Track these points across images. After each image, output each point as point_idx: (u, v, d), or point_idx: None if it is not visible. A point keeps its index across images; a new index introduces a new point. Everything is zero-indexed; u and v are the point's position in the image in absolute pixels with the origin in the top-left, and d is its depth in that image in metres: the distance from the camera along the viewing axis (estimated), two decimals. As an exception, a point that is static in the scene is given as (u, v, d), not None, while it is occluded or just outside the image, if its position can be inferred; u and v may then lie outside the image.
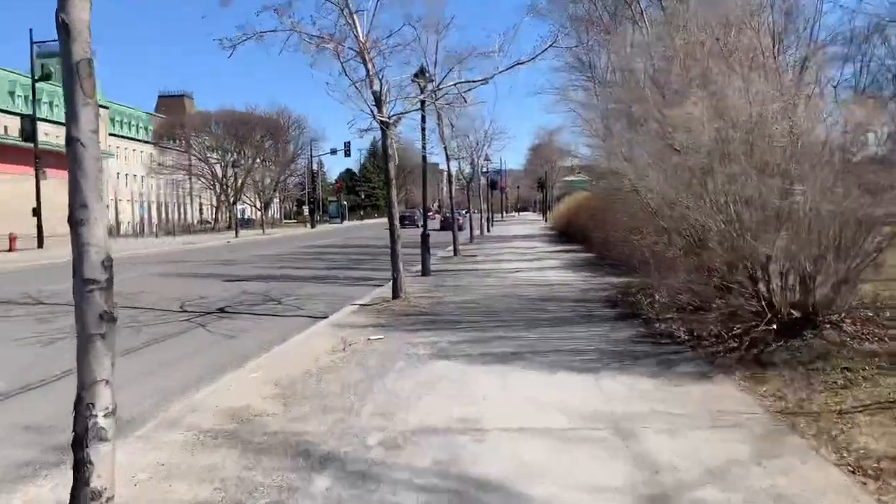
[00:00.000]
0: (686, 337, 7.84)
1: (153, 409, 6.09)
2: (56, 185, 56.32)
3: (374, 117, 10.81)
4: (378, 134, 11.83)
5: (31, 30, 31.96)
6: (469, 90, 11.52)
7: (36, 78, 32.15)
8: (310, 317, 11.37)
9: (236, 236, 46.32)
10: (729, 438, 4.60)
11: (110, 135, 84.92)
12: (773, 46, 8.27)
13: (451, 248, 23.36)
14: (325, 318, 10.92)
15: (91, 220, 2.73)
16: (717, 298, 8.46)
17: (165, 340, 9.54)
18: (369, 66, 10.61)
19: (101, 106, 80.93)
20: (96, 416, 2.67)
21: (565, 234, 31.99)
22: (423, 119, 14.74)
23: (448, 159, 22.39)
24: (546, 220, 62.64)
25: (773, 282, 7.30)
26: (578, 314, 10.01)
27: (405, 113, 11.48)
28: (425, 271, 16.49)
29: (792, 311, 7.21)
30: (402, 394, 5.92)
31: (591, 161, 27.44)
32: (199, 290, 15.24)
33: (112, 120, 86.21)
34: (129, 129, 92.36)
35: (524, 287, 13.51)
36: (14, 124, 67.82)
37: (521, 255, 22.65)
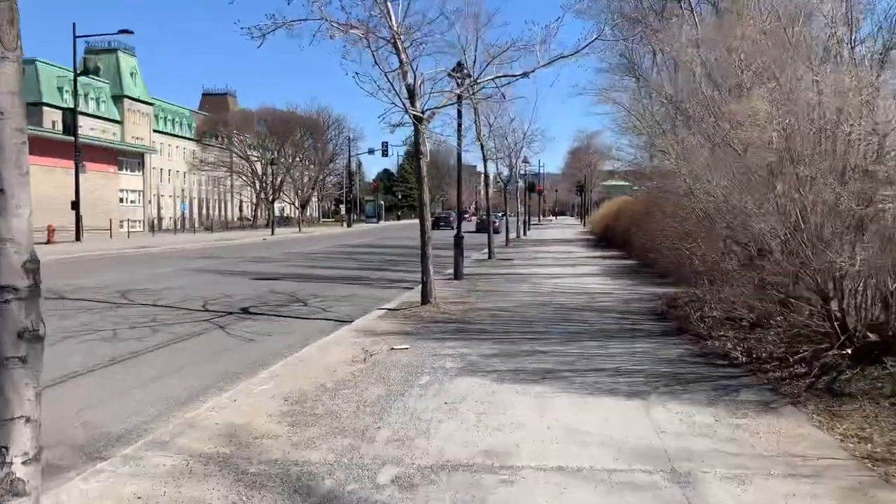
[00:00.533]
0: (744, 358, 7.01)
1: (151, 422, 5.55)
2: (96, 179, 57.49)
3: (406, 111, 10.18)
4: (412, 130, 11.22)
5: (73, 24, 32.32)
6: (508, 83, 10.83)
7: (79, 72, 32.39)
8: (335, 320, 10.80)
9: (272, 234, 46.32)
10: (811, 493, 3.82)
11: (154, 131, 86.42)
12: (850, 35, 7.38)
13: (486, 250, 22.65)
14: (350, 321, 10.35)
15: (8, 207, 2.12)
16: (778, 315, 7.62)
17: (182, 342, 9.06)
18: (402, 55, 9.99)
19: (145, 102, 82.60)
20: (11, 463, 2.07)
21: (604, 239, 31.02)
22: (460, 115, 14.07)
23: (485, 160, 21.69)
24: (584, 225, 61.45)
25: (847, 299, 6.45)
26: (621, 327, 9.22)
27: (440, 108, 10.83)
28: (458, 275, 15.82)
29: (869, 334, 6.33)
30: (424, 416, 5.25)
31: (634, 164, 26.47)
32: (226, 288, 14.83)
33: (156, 116, 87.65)
34: (173, 126, 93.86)
35: (561, 295, 12.74)
36: (60, 119, 69.43)
37: (559, 260, 21.83)
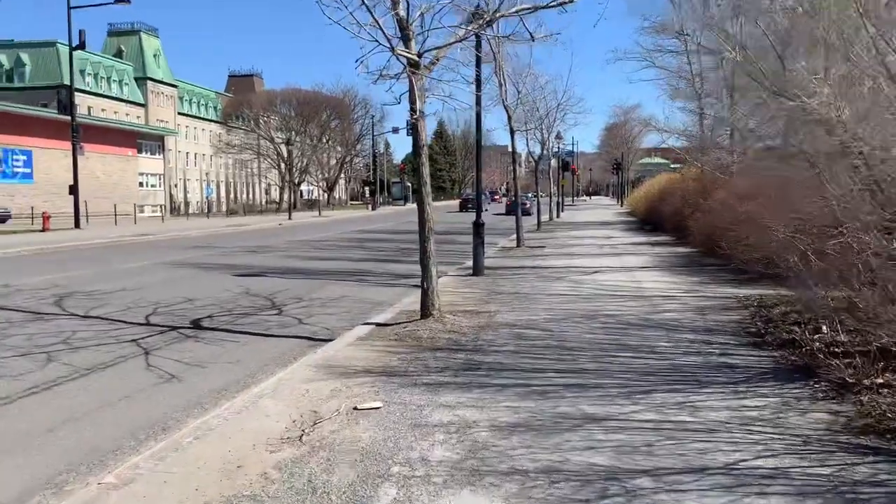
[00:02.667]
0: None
1: None
2: (114, 163, 55.70)
3: (393, 51, 7.24)
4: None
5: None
6: (534, 10, 7.81)
7: (74, 46, 30.00)
8: (308, 338, 8.04)
9: (289, 218, 43.86)
10: None
11: (179, 113, 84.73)
12: None
13: (515, 236, 19.66)
14: (325, 341, 7.58)
15: None
16: None
17: (69, 382, 6.34)
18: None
19: (169, 84, 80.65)
20: None
21: (648, 221, 27.71)
22: (478, 63, 11.01)
23: (512, 133, 18.63)
24: (622, 205, 57.83)
25: None
26: (708, 361, 6.22)
27: (444, 48, 7.85)
28: (477, 270, 12.91)
29: None
30: None
31: (687, 134, 23.11)
32: (195, 289, 12.16)
33: (181, 99, 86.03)
34: (199, 109, 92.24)
35: (610, 300, 9.74)
36: (83, 102, 67.77)
37: (599, 248, 18.73)
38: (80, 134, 31.12)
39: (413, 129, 7.95)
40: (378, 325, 8.28)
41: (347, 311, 9.96)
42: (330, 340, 7.66)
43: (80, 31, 30.27)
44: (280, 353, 7.33)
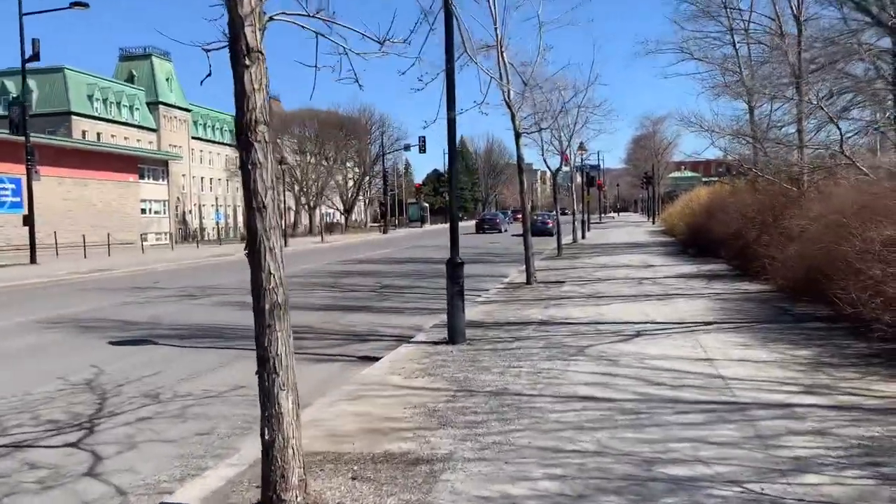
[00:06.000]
0: None
1: None
2: (113, 189, 52.37)
3: None
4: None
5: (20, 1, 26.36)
6: None
7: (27, 57, 26.44)
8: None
9: (286, 245, 39.79)
10: None
11: (193, 138, 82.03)
12: None
13: (525, 268, 15.14)
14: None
15: None
16: None
17: None
18: None
19: (182, 108, 77.87)
20: None
21: (691, 242, 22.98)
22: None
23: (517, 136, 14.23)
24: (654, 222, 52.88)
25: None
26: None
27: None
28: (454, 334, 8.43)
29: None
30: None
31: (739, 134, 18.45)
32: (17, 376, 7.90)
33: (195, 123, 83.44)
34: (214, 133, 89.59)
35: (671, 416, 5.16)
36: (91, 128, 65.12)
37: (637, 283, 14.12)
38: (35, 157, 27.44)
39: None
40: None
41: (209, 433, 5.61)
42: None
43: (34, 41, 26.71)
44: None
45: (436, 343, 8.47)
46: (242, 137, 3.50)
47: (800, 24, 15.97)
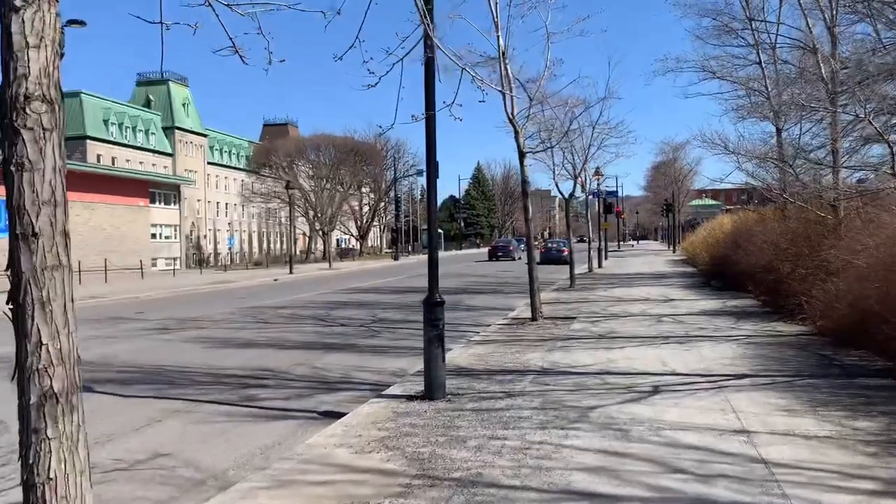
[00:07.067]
0: None
1: None
2: (124, 214, 51.77)
3: None
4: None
5: None
6: None
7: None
8: None
9: (290, 272, 38.62)
10: None
11: (209, 163, 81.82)
12: None
13: (529, 303, 13.62)
14: None
15: None
16: None
17: None
18: None
19: (198, 134, 77.78)
20: None
21: (715, 273, 21.35)
22: None
23: (521, 156, 12.86)
24: (674, 251, 51.12)
25: None
26: None
27: None
28: (432, 388, 6.96)
29: None
30: None
31: (768, 158, 16.96)
32: None
33: (211, 148, 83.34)
34: (230, 158, 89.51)
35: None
36: (107, 152, 64.94)
37: (656, 321, 12.58)
38: None
39: None
40: None
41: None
42: None
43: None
44: None
45: (410, 398, 7.03)
46: (6, 121, 2.16)
47: (834, 36, 14.55)
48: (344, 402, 7.58)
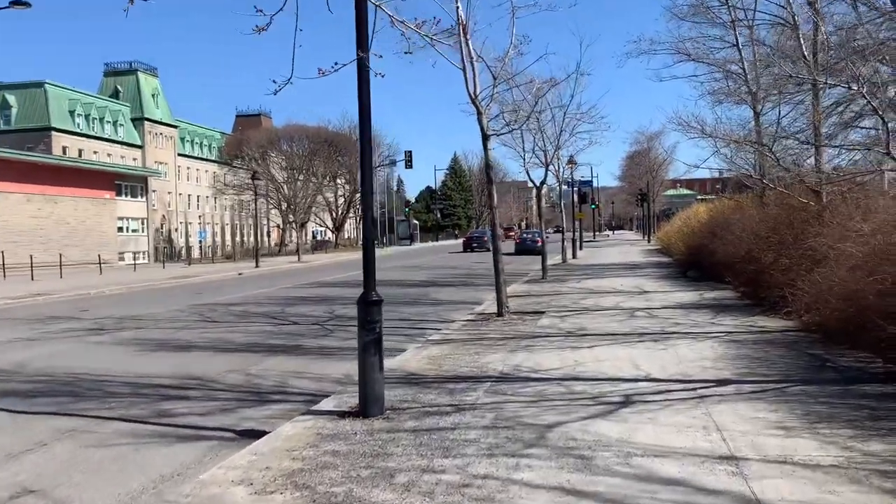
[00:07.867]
0: None
1: None
2: (88, 207, 49.91)
3: None
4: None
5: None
6: None
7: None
8: None
9: (257, 266, 37.29)
10: None
11: (180, 155, 79.61)
12: None
13: (495, 297, 12.64)
14: None
15: None
16: None
17: None
18: None
19: (169, 125, 75.47)
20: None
21: (690, 263, 20.60)
22: None
23: (485, 139, 11.87)
24: (649, 241, 50.55)
25: None
26: None
27: None
28: (366, 404, 5.93)
29: None
30: None
31: (748, 140, 16.08)
32: None
33: (182, 140, 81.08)
34: (201, 150, 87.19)
35: None
36: (73, 144, 62.59)
37: (629, 316, 11.66)
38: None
39: None
40: None
41: None
42: None
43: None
44: None
45: (343, 415, 6.01)
46: None
47: (816, 10, 13.71)
48: (272, 417, 6.55)
